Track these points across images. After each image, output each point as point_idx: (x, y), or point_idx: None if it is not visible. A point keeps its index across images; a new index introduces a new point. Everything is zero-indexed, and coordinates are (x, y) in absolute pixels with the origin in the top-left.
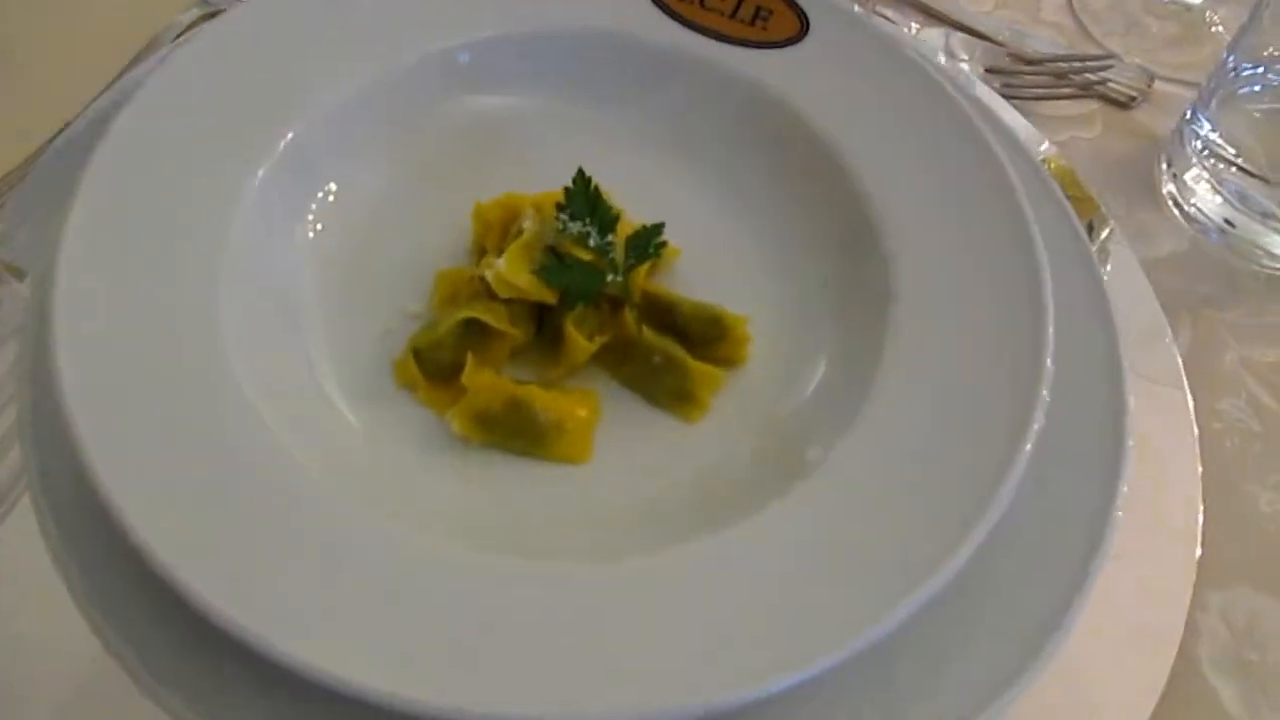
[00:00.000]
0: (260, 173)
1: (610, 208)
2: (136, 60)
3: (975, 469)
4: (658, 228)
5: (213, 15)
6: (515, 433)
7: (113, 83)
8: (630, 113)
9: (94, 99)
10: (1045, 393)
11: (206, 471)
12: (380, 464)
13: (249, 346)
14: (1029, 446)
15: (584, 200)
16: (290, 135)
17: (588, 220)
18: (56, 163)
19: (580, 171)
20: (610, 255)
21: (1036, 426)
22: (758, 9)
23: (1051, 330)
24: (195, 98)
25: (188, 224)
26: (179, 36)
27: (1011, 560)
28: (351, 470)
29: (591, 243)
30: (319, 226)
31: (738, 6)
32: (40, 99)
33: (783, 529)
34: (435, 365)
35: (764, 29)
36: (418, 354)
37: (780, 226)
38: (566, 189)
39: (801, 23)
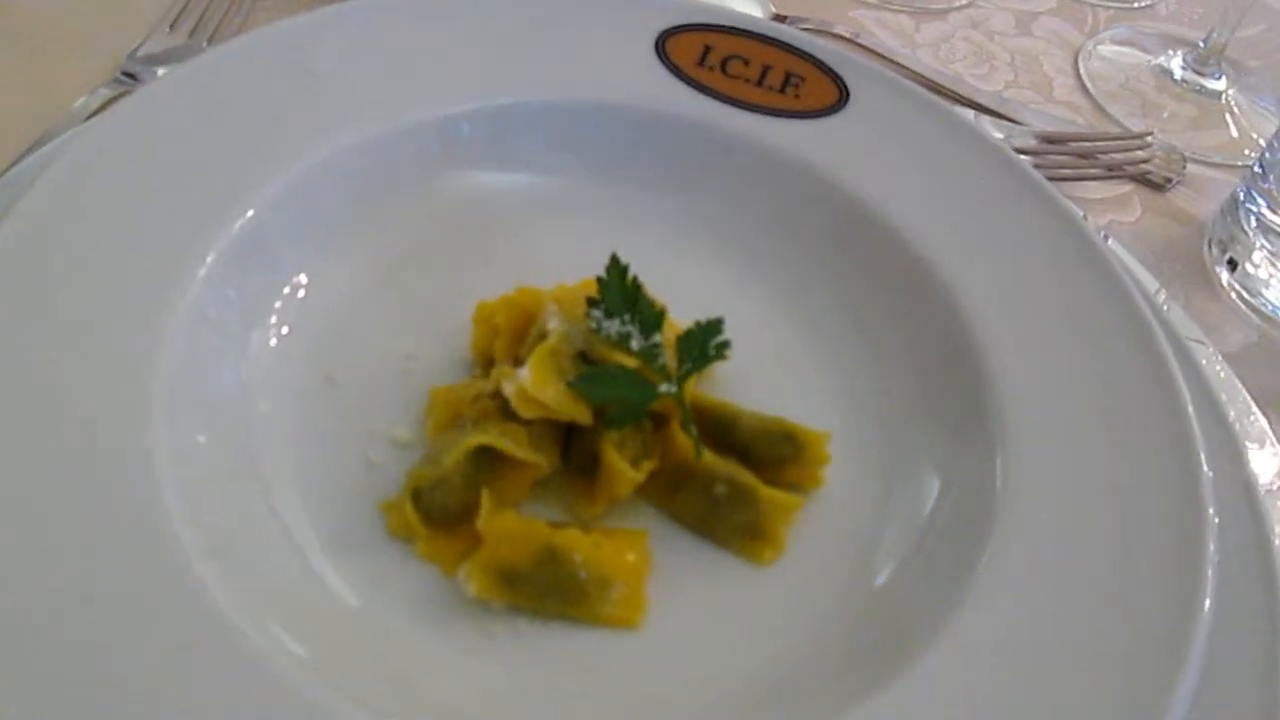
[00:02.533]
0: (209, 260)
1: (652, 302)
2: (40, 142)
3: (1136, 659)
4: (716, 324)
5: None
6: (548, 591)
7: (13, 164)
8: (651, 194)
9: None
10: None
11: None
12: (374, 647)
13: (195, 498)
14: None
15: (621, 294)
16: (249, 214)
17: (627, 318)
18: None
19: (614, 259)
20: (659, 360)
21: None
22: (787, 75)
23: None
24: (126, 168)
25: (114, 330)
26: (90, 118)
27: None
28: (336, 659)
29: (634, 345)
30: (283, 330)
31: (764, 73)
32: None
33: None
34: (439, 508)
35: (796, 97)
36: (417, 495)
37: (846, 327)
38: (599, 280)
39: (840, 89)
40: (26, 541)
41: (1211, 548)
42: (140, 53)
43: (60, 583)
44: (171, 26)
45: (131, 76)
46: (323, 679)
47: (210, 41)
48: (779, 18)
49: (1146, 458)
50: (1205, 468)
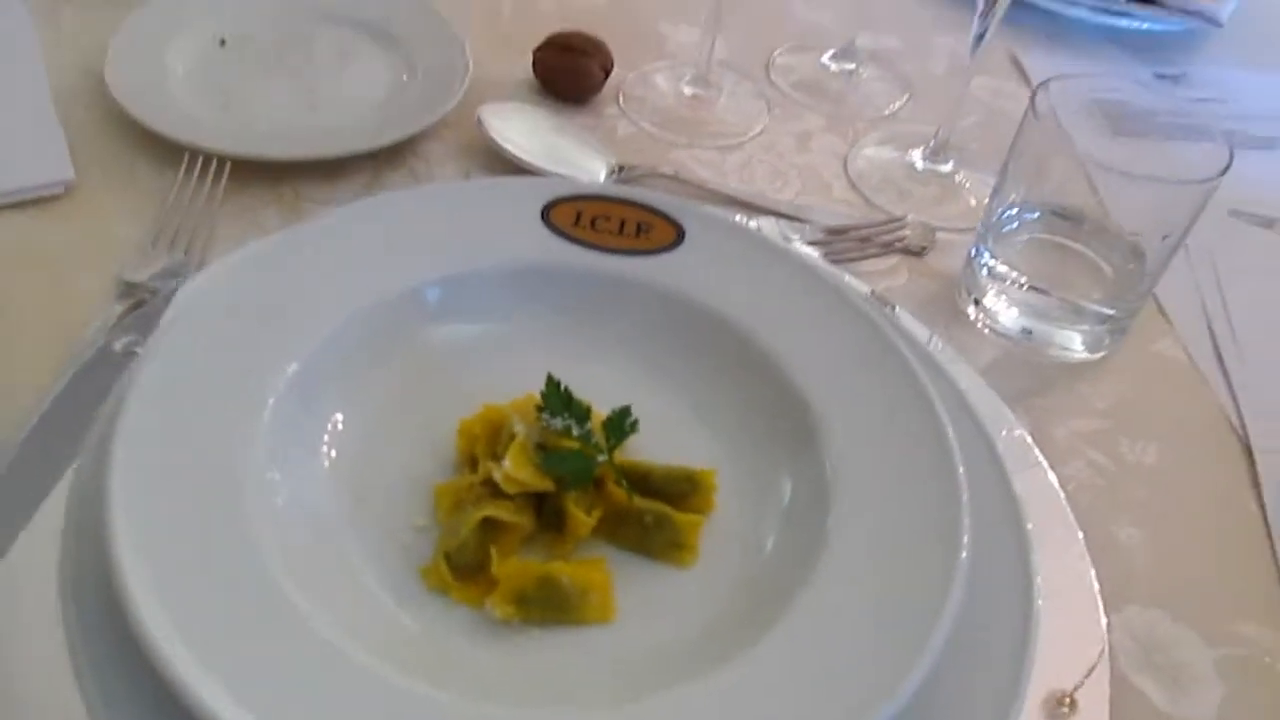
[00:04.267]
0: (271, 403)
1: (580, 402)
2: (74, 358)
3: (921, 590)
4: (626, 409)
5: (138, 305)
6: (548, 606)
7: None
8: (563, 322)
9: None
10: (965, 552)
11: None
12: (433, 657)
13: (289, 557)
14: (958, 592)
15: (559, 400)
16: (294, 368)
17: (566, 416)
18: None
19: (549, 377)
20: (593, 440)
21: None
22: (639, 224)
23: (966, 495)
24: (208, 344)
25: (222, 450)
26: (115, 326)
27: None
28: (407, 665)
29: (575, 432)
30: (332, 453)
31: (622, 224)
32: None
33: (770, 661)
34: (463, 565)
35: (647, 239)
36: (448, 557)
37: (710, 395)
38: (543, 393)
39: (678, 229)
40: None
41: (966, 517)
42: (132, 274)
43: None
44: (153, 245)
45: (133, 290)
46: (407, 675)
47: (187, 253)
48: (620, 167)
49: (920, 457)
50: (957, 456)
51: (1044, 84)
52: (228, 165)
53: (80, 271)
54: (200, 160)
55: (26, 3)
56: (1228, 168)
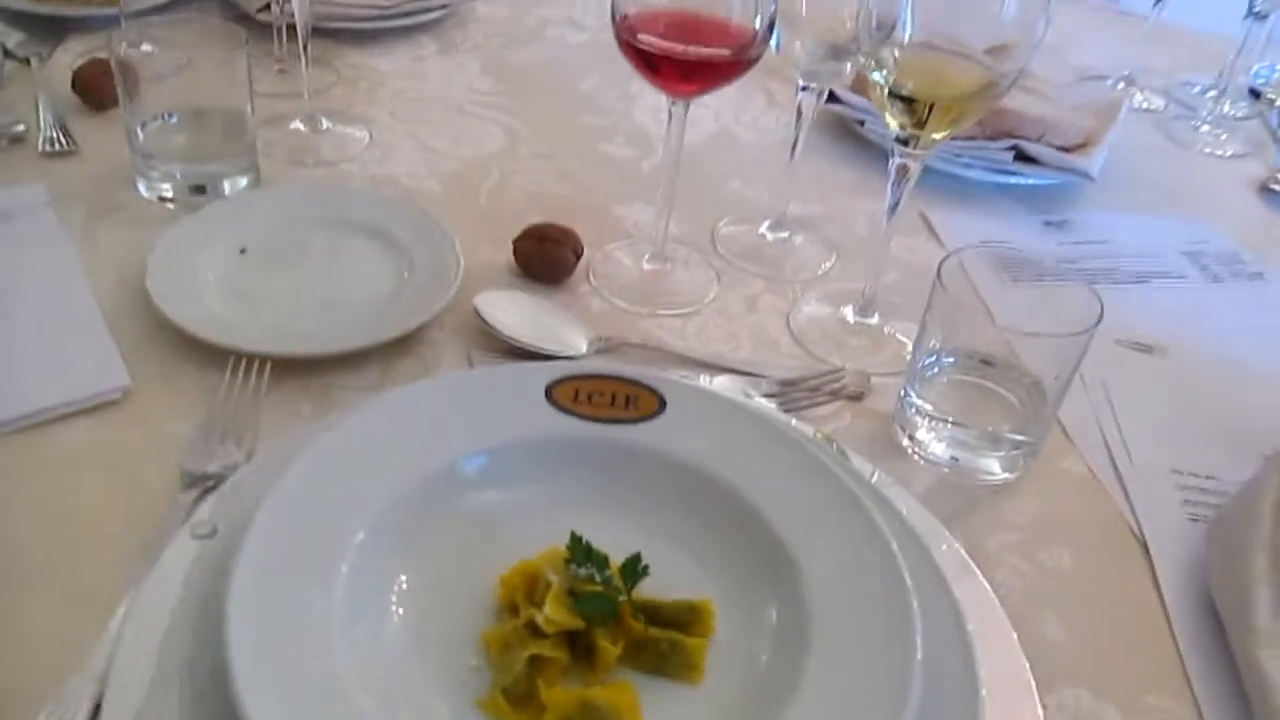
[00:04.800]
0: (344, 569)
1: (599, 553)
2: (158, 546)
3: (888, 687)
4: (637, 556)
5: (212, 487)
6: None
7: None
8: (571, 484)
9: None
10: (919, 653)
11: None
12: None
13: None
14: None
15: (582, 553)
16: (360, 536)
17: (589, 565)
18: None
19: (573, 534)
20: (613, 584)
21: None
22: (627, 396)
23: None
24: (288, 523)
25: (312, 608)
26: (188, 515)
27: None
28: None
29: (597, 579)
30: (400, 611)
31: (613, 398)
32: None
33: None
34: (516, 696)
35: (635, 409)
36: (504, 691)
37: (702, 537)
38: (568, 548)
39: (660, 399)
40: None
41: (917, 619)
42: (193, 466)
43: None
44: (207, 438)
45: (196, 480)
46: None
47: (239, 443)
48: (599, 339)
49: (876, 578)
50: (905, 574)
51: (947, 257)
52: (269, 364)
53: (144, 466)
54: (244, 361)
55: (64, 227)
56: (1099, 319)
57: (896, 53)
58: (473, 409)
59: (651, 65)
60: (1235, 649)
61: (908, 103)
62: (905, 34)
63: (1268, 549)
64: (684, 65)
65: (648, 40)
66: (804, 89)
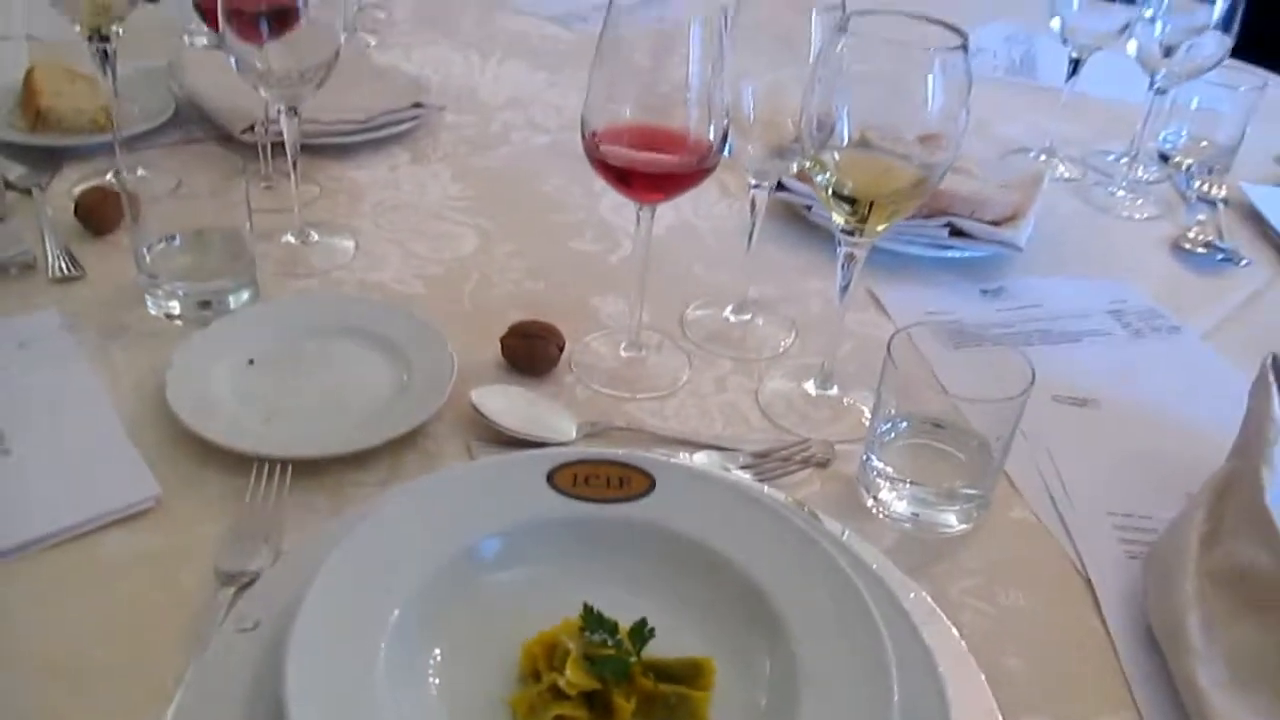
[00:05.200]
0: (383, 647)
1: (609, 620)
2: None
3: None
4: (644, 621)
5: (248, 584)
6: None
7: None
8: (577, 559)
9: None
10: (896, 694)
11: None
12: None
13: None
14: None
15: (595, 621)
16: (395, 616)
17: (601, 632)
18: None
19: (586, 605)
20: (623, 647)
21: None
22: (620, 478)
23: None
24: (328, 608)
25: (357, 680)
26: (227, 611)
27: None
28: None
29: (610, 644)
30: (436, 682)
31: (608, 480)
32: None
33: None
34: None
35: (629, 488)
36: None
37: (699, 600)
38: (582, 617)
39: (650, 478)
40: None
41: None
42: (227, 565)
43: None
44: (237, 538)
45: (232, 579)
46: None
47: (267, 541)
48: (586, 423)
49: (855, 628)
50: (880, 622)
51: (895, 334)
52: (289, 468)
53: (181, 568)
54: (265, 465)
55: (80, 349)
56: (1032, 383)
57: (836, 155)
58: (483, 497)
59: (622, 178)
60: (1173, 669)
61: (850, 201)
62: (844, 138)
63: (1194, 577)
64: (651, 177)
65: (616, 157)
66: (755, 186)
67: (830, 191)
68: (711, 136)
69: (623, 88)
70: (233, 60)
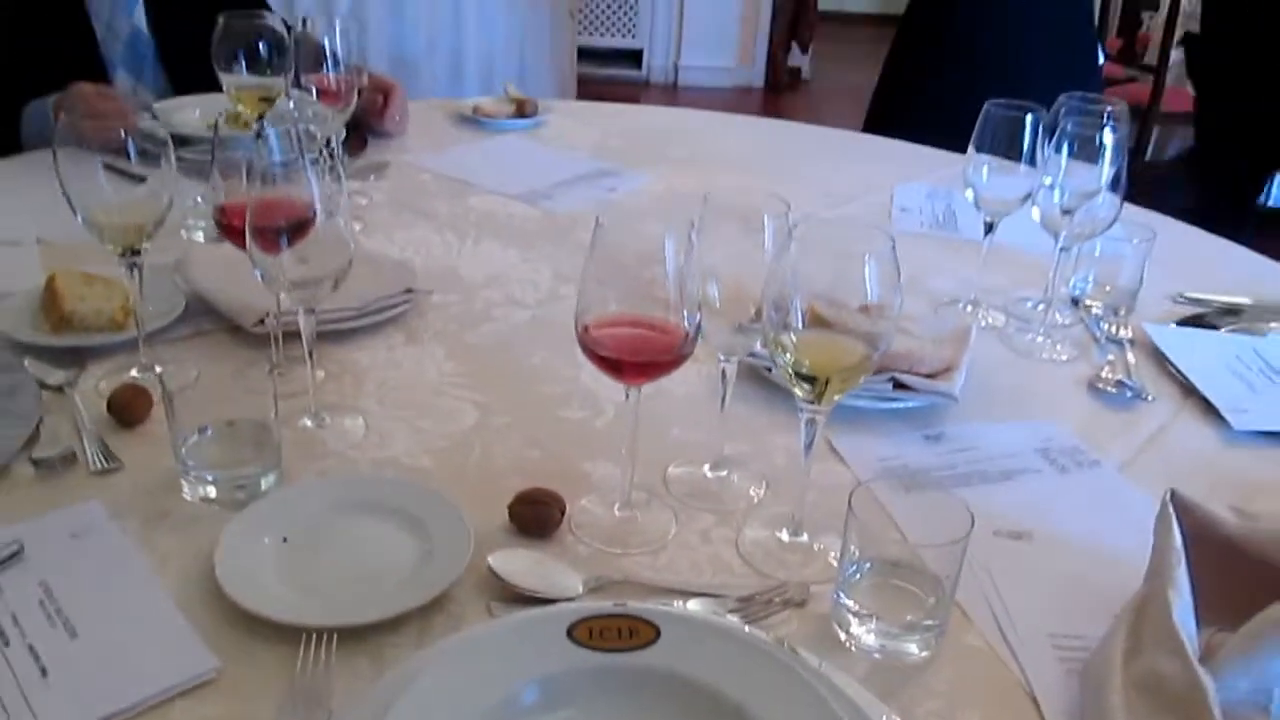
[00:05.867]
0: None
1: None
2: None
3: None
4: None
5: None
6: None
7: None
8: (601, 703)
9: None
10: None
11: None
12: None
13: None
14: None
15: None
16: None
17: None
18: None
19: None
20: None
21: None
22: (630, 629)
23: None
24: None
25: None
26: None
27: None
28: None
29: None
30: None
31: (619, 631)
32: None
33: None
34: None
35: (638, 638)
36: None
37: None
38: None
39: (655, 629)
40: None
41: None
42: None
43: None
44: (291, 706)
45: None
46: None
47: (320, 704)
48: (590, 578)
49: None
50: None
51: (855, 488)
52: (335, 636)
53: None
54: (313, 635)
55: (126, 536)
56: (972, 526)
57: (794, 337)
58: (512, 653)
59: (613, 366)
60: None
61: (810, 380)
62: (799, 322)
63: (1120, 689)
64: (638, 365)
65: (607, 349)
66: (725, 360)
67: (791, 370)
68: (688, 326)
69: (609, 289)
70: (258, 273)
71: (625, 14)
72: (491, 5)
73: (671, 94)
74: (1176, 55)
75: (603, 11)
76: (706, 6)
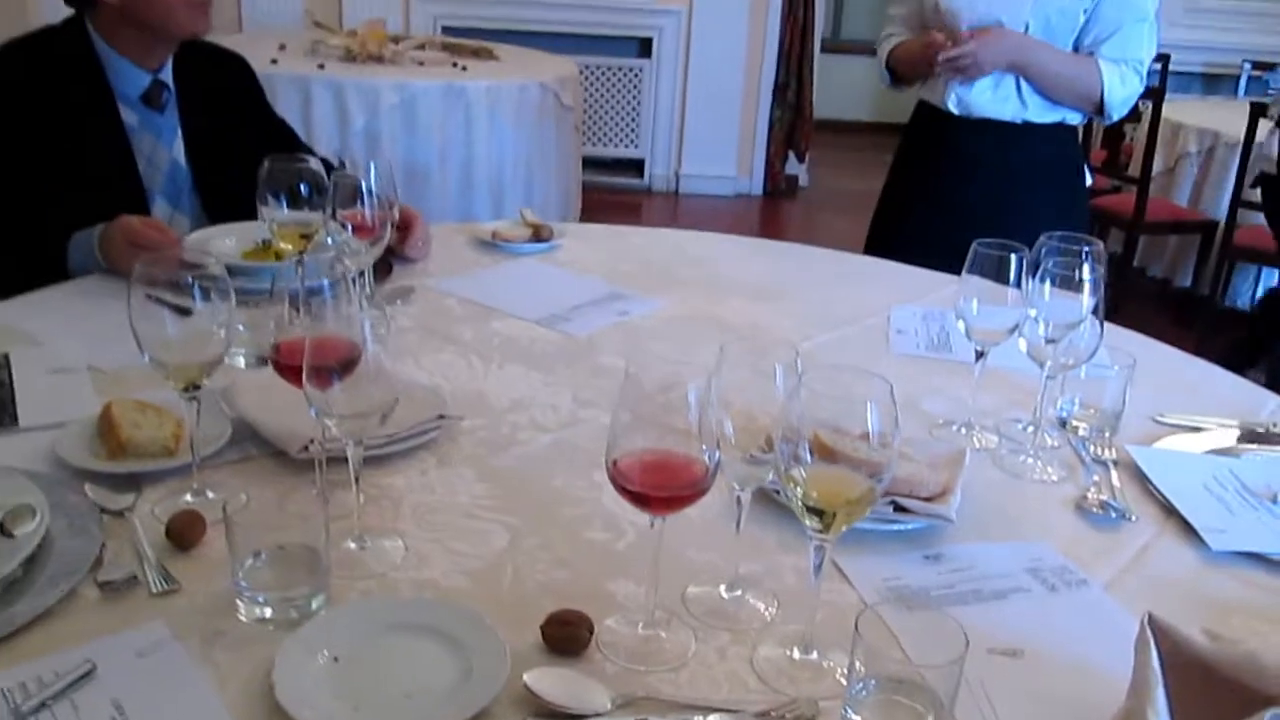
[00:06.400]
0: None
1: None
2: None
3: None
4: None
5: None
6: None
7: None
8: None
9: None
10: None
11: None
12: None
13: None
14: None
15: None
16: None
17: None
18: None
19: None
20: None
21: None
22: None
23: None
24: None
25: None
26: None
27: None
28: None
29: None
30: None
31: None
32: None
33: None
34: None
35: None
36: None
37: None
38: None
39: None
40: None
41: None
42: None
43: None
44: None
45: None
46: None
47: None
48: (618, 695)
49: None
50: None
51: (862, 612)
52: None
53: None
54: None
55: (188, 655)
56: (967, 647)
57: (804, 472)
58: None
59: (641, 500)
60: None
61: (818, 513)
62: (808, 459)
63: None
64: (663, 499)
65: (635, 485)
66: (740, 490)
67: (801, 504)
68: (708, 461)
69: (637, 429)
70: (313, 410)
71: (628, 125)
72: (501, 120)
73: (673, 201)
74: (1159, 165)
75: (607, 123)
76: (706, 118)
